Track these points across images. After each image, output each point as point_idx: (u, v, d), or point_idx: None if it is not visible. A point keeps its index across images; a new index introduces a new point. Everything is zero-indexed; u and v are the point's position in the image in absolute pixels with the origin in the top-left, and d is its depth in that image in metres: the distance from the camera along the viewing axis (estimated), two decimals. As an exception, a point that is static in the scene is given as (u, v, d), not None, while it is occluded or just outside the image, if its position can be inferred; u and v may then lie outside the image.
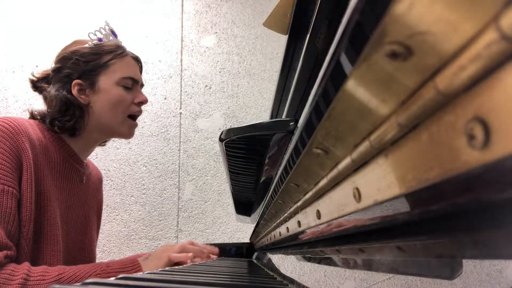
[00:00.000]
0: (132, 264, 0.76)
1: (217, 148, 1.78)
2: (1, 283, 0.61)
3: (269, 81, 1.89)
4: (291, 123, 0.38)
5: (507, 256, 0.12)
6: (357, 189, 0.20)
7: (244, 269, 0.64)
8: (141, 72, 0.95)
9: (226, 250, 1.18)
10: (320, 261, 0.52)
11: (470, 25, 0.09)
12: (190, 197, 1.73)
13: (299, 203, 0.37)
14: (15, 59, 1.70)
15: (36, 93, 0.91)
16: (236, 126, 0.55)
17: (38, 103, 0.91)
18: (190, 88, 1.83)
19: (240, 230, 1.74)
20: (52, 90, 0.83)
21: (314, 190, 0.29)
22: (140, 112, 0.91)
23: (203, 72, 1.86)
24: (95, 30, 0.89)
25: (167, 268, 0.55)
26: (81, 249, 0.89)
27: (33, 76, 0.89)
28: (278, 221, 0.56)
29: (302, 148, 0.27)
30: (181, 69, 1.84)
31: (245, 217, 1.03)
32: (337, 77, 0.17)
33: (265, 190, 0.61)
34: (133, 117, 0.90)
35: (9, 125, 0.72)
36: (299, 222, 0.39)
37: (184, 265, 0.71)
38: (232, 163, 0.54)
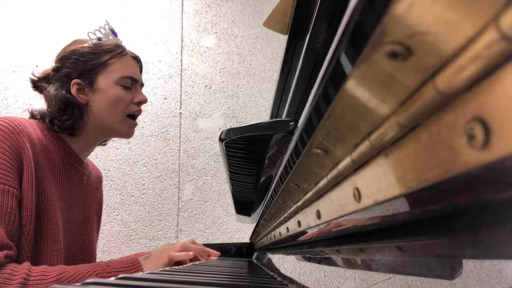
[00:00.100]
0: (133, 264, 0.76)
1: (217, 148, 1.79)
2: (1, 283, 0.61)
3: (269, 81, 1.90)
4: (291, 123, 0.38)
5: (507, 256, 0.12)
6: (357, 189, 0.20)
7: (244, 269, 0.64)
8: (141, 71, 0.95)
9: (226, 250, 1.18)
10: (320, 261, 0.52)
11: (470, 25, 0.09)
12: (190, 197, 1.73)
13: (299, 203, 0.37)
14: (15, 59, 1.70)
15: (36, 93, 0.91)
16: (236, 126, 0.55)
17: (38, 103, 0.91)
18: (190, 88, 1.83)
19: (240, 230, 1.74)
20: (51, 89, 0.84)
21: (314, 190, 0.29)
22: (139, 111, 0.91)
23: (203, 72, 1.86)
24: (95, 30, 0.89)
25: (167, 268, 0.55)
26: (81, 248, 0.89)
27: (34, 75, 0.89)
28: (278, 221, 0.56)
29: (302, 148, 0.27)
30: (181, 69, 1.84)
31: (245, 217, 1.03)
32: (337, 77, 0.17)
33: (265, 190, 0.61)
34: (133, 116, 0.90)
35: (9, 125, 0.72)
36: (299, 222, 0.39)
37: (184, 265, 0.71)
38: (232, 163, 0.54)
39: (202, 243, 0.95)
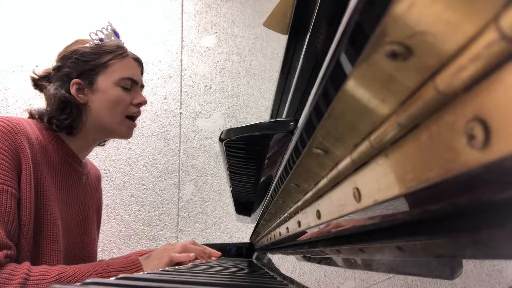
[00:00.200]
0: (133, 264, 0.76)
1: (217, 148, 1.79)
2: (1, 283, 0.61)
3: (269, 81, 1.89)
4: (291, 123, 0.38)
5: (507, 256, 0.12)
6: (357, 189, 0.20)
7: (244, 269, 0.64)
8: (142, 73, 0.94)
9: (226, 250, 1.18)
10: (320, 261, 0.52)
11: (470, 25, 0.09)
12: (190, 197, 1.73)
13: (299, 203, 0.37)
14: (15, 59, 1.70)
15: (36, 93, 0.91)
16: (236, 126, 0.55)
17: (38, 103, 0.91)
18: (190, 88, 1.83)
19: (240, 230, 1.74)
20: (51, 88, 0.84)
21: (314, 190, 0.29)
22: (138, 113, 0.91)
23: (203, 72, 1.86)
24: (97, 30, 0.89)
25: (167, 268, 0.55)
26: (81, 248, 0.89)
27: (35, 74, 0.89)
28: (278, 221, 0.56)
29: (302, 148, 0.27)
30: (181, 69, 1.84)
31: (245, 217, 1.03)
32: (337, 77, 0.17)
33: (265, 190, 0.61)
34: (132, 117, 0.90)
35: (7, 125, 0.72)
36: (299, 222, 0.39)
37: (184, 265, 0.71)
38: (232, 163, 0.53)
39: (202, 243, 0.95)
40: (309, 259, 0.58)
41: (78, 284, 0.26)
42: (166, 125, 1.78)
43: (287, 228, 0.48)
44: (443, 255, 0.16)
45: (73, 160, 0.87)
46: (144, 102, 0.91)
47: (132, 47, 0.96)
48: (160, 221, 1.69)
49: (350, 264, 0.38)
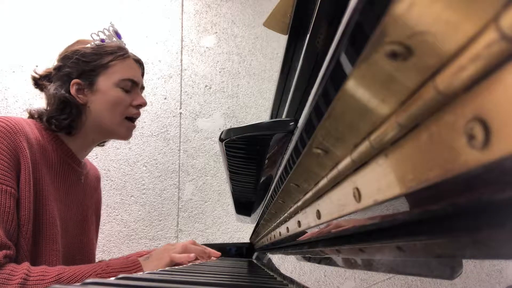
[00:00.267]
0: (133, 264, 0.76)
1: (217, 148, 1.79)
2: (1, 283, 0.61)
3: (269, 81, 1.89)
4: (291, 123, 0.38)
5: (507, 256, 0.12)
6: (357, 189, 0.20)
7: (244, 269, 0.64)
8: (142, 75, 0.94)
9: (226, 250, 1.18)
10: (320, 261, 0.52)
11: (470, 25, 0.09)
12: (190, 197, 1.73)
13: (299, 203, 0.37)
14: (15, 59, 1.70)
15: (36, 93, 0.91)
16: (236, 126, 0.55)
17: (38, 103, 0.91)
18: (190, 88, 1.83)
19: (240, 230, 1.74)
20: (51, 88, 0.84)
21: (314, 190, 0.29)
22: (138, 114, 0.91)
23: (203, 72, 1.86)
24: (99, 31, 0.89)
25: (167, 268, 0.55)
26: (79, 248, 0.89)
27: (35, 73, 0.89)
28: (278, 221, 0.56)
29: (302, 148, 0.27)
30: (181, 69, 1.84)
31: (245, 217, 1.03)
32: (337, 77, 0.17)
33: (265, 190, 0.61)
34: (131, 119, 0.90)
35: (6, 125, 0.72)
36: (299, 222, 0.39)
37: (184, 265, 0.71)
38: (232, 163, 0.53)
39: (202, 243, 0.95)
40: (309, 259, 0.58)
41: (78, 284, 0.26)
42: (166, 125, 1.78)
43: (287, 228, 0.48)
44: (443, 255, 0.16)
45: (72, 160, 0.86)
46: (144, 104, 0.91)
47: (132, 47, 0.96)
48: (160, 221, 1.69)
49: (350, 264, 0.38)
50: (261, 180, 0.59)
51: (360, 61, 0.14)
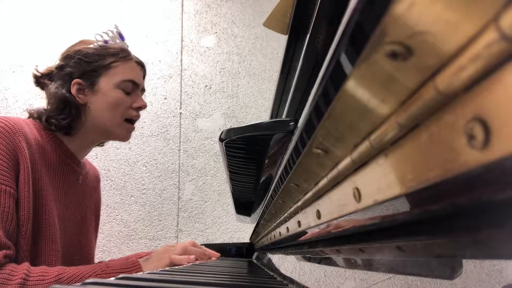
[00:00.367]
0: (133, 265, 0.76)
1: (217, 148, 1.79)
2: (1, 283, 0.61)
3: (269, 81, 1.89)
4: (291, 123, 0.38)
5: (507, 256, 0.12)
6: (357, 189, 0.20)
7: (244, 269, 0.64)
8: (144, 77, 0.94)
9: (226, 250, 1.18)
10: (320, 261, 0.52)
11: (470, 25, 0.09)
12: (190, 197, 1.73)
13: (299, 203, 0.37)
14: (15, 59, 1.70)
15: (36, 93, 0.91)
16: (236, 126, 0.55)
17: (38, 103, 0.91)
18: (190, 88, 1.83)
19: (240, 230, 1.74)
20: (52, 87, 0.84)
21: (314, 190, 0.29)
22: (137, 116, 0.91)
23: (203, 72, 1.86)
24: (102, 32, 0.89)
25: (167, 268, 0.55)
26: (78, 248, 0.89)
27: (37, 71, 0.89)
28: (278, 221, 0.56)
29: (302, 148, 0.27)
30: (181, 69, 1.84)
31: (245, 217, 1.03)
32: (337, 77, 0.17)
33: (265, 190, 0.61)
34: (131, 121, 0.90)
35: (5, 125, 0.72)
36: (299, 222, 0.39)
37: (184, 265, 0.71)
38: (232, 163, 0.53)
39: (202, 243, 0.95)
40: (309, 259, 0.58)
41: (78, 284, 0.26)
42: (166, 125, 1.78)
43: (287, 228, 0.48)
44: (443, 255, 0.16)
45: (71, 161, 0.86)
46: (144, 106, 0.91)
47: (132, 47, 0.96)
48: (160, 221, 1.69)
49: (350, 264, 0.38)
50: (261, 180, 0.59)
51: (360, 61, 0.14)
